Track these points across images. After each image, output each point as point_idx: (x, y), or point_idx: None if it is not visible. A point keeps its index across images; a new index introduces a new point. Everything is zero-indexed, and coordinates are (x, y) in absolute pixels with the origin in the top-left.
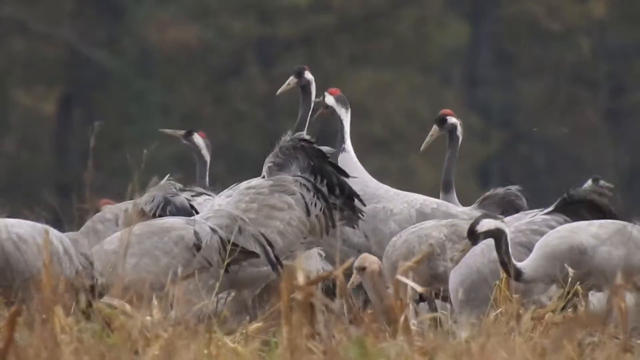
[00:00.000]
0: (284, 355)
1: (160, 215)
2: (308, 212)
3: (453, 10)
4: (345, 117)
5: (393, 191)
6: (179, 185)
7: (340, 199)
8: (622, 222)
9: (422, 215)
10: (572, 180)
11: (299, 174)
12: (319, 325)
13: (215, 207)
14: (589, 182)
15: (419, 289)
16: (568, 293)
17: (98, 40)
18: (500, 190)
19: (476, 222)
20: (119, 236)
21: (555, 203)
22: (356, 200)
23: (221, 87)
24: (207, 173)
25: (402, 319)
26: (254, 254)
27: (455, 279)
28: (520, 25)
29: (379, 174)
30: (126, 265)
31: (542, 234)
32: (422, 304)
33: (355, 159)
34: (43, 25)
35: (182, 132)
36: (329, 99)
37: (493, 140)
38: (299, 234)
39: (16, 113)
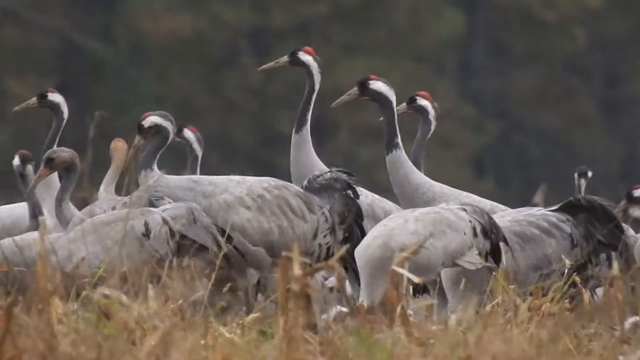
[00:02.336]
0: (281, 346)
1: None
2: (315, 236)
3: (447, 0)
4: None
5: (457, 191)
6: (159, 194)
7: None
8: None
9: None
10: (566, 170)
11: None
12: (315, 316)
13: (233, 181)
14: (576, 175)
15: (416, 279)
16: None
17: (91, 29)
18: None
19: None
20: (80, 226)
21: (562, 203)
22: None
23: (215, 76)
24: (199, 166)
25: (399, 309)
26: (203, 246)
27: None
28: (514, 15)
29: (374, 163)
30: (80, 253)
31: (538, 226)
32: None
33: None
34: (36, 15)
35: None
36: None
37: (487, 130)
38: (295, 241)
39: (10, 103)
